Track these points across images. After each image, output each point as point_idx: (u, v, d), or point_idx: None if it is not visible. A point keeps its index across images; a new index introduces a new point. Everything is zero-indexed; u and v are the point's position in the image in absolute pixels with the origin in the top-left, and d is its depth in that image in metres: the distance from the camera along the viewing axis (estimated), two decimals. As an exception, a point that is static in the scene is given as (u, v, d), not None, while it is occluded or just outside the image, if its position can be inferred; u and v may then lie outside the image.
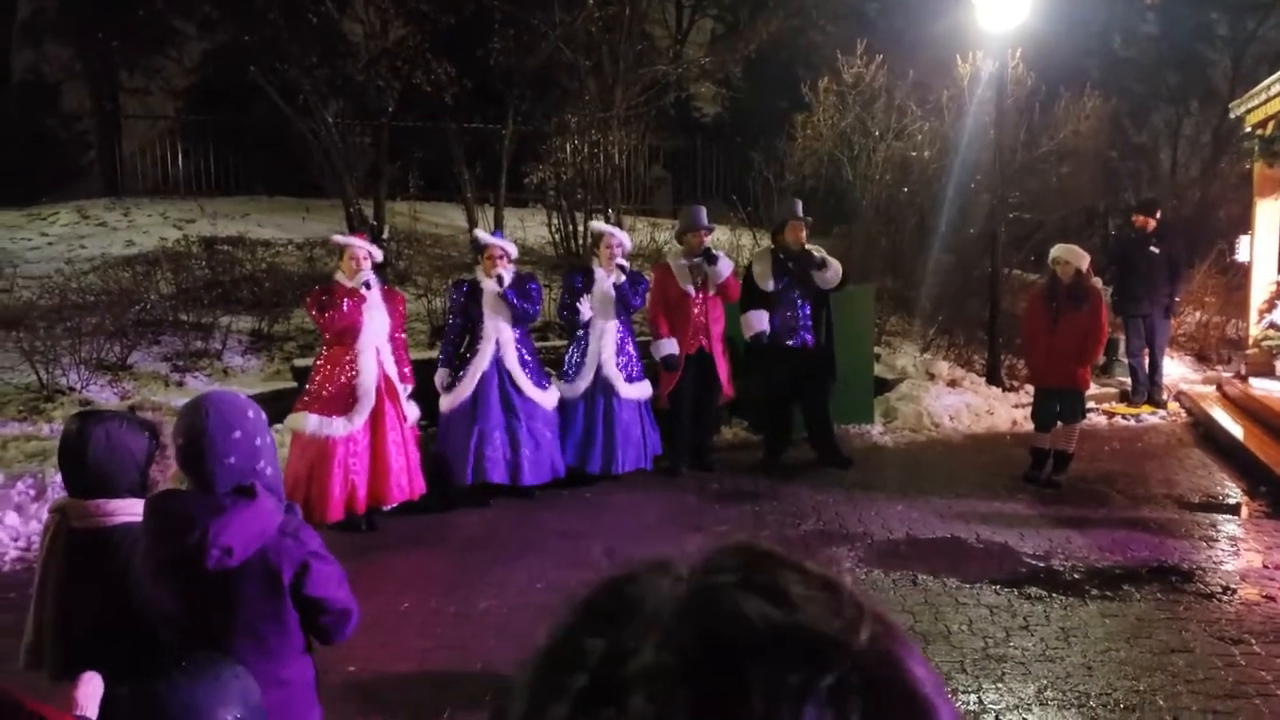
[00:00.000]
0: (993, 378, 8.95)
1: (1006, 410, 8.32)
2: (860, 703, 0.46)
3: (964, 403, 8.30)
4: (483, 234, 6.45)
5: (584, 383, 6.34)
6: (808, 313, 6.68)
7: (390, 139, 10.06)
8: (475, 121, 10.85)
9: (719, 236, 10.04)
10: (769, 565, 0.52)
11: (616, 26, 10.13)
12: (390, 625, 4.22)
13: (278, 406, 6.46)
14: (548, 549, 5.22)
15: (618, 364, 6.38)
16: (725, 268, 6.59)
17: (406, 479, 5.60)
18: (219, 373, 7.56)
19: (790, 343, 6.67)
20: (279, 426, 6.28)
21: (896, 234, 10.41)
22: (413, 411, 5.76)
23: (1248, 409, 7.92)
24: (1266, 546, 5.23)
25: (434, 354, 6.52)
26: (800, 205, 6.95)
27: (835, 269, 6.61)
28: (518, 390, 6.02)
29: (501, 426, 5.96)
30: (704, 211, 6.87)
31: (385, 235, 9.31)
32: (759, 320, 6.63)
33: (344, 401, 5.37)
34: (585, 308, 6.34)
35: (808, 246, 6.71)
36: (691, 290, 6.57)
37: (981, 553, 5.14)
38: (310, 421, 5.33)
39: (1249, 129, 9.22)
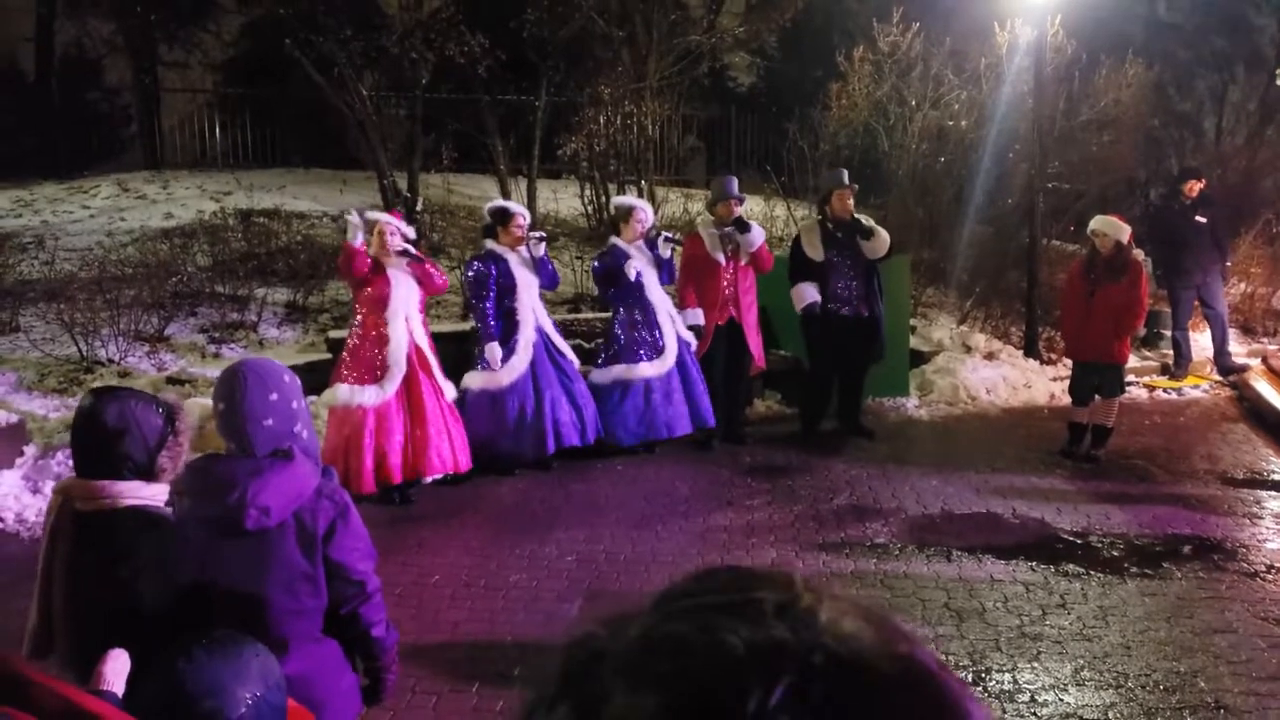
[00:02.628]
0: (1030, 350, 8.84)
1: (1044, 384, 8.22)
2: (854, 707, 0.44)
3: (1001, 376, 8.21)
4: (507, 203, 6.45)
5: (666, 360, 6.32)
6: (858, 283, 6.64)
7: (424, 111, 10.07)
8: (508, 93, 10.81)
9: (753, 207, 9.99)
10: (733, 586, 0.50)
11: (650, -3, 10.02)
12: (422, 597, 4.29)
13: (313, 378, 6.53)
14: (578, 522, 5.26)
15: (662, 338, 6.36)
16: (758, 236, 6.54)
17: (449, 450, 5.59)
18: (255, 344, 7.67)
19: (844, 312, 6.64)
20: (314, 399, 6.38)
21: (933, 205, 10.25)
22: (449, 388, 5.73)
23: (1293, 384, 7.77)
24: (1311, 524, 5.15)
25: (465, 326, 6.53)
26: (846, 174, 6.89)
27: (883, 238, 6.55)
28: (560, 354, 6.12)
29: (563, 391, 6.03)
30: (735, 182, 6.81)
31: (419, 208, 9.35)
32: (810, 292, 6.59)
33: (375, 370, 5.39)
34: (633, 268, 6.25)
35: (855, 215, 6.66)
36: (722, 259, 6.53)
37: (1018, 528, 5.11)
38: (341, 391, 5.36)
39: (1300, 96, 8.94)
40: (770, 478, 6.03)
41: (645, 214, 6.50)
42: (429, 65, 9.49)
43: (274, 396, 2.18)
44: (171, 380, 6.55)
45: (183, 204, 10.26)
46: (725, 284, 6.56)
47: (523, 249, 6.03)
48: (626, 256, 6.30)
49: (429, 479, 5.62)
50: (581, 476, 6.05)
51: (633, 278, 6.25)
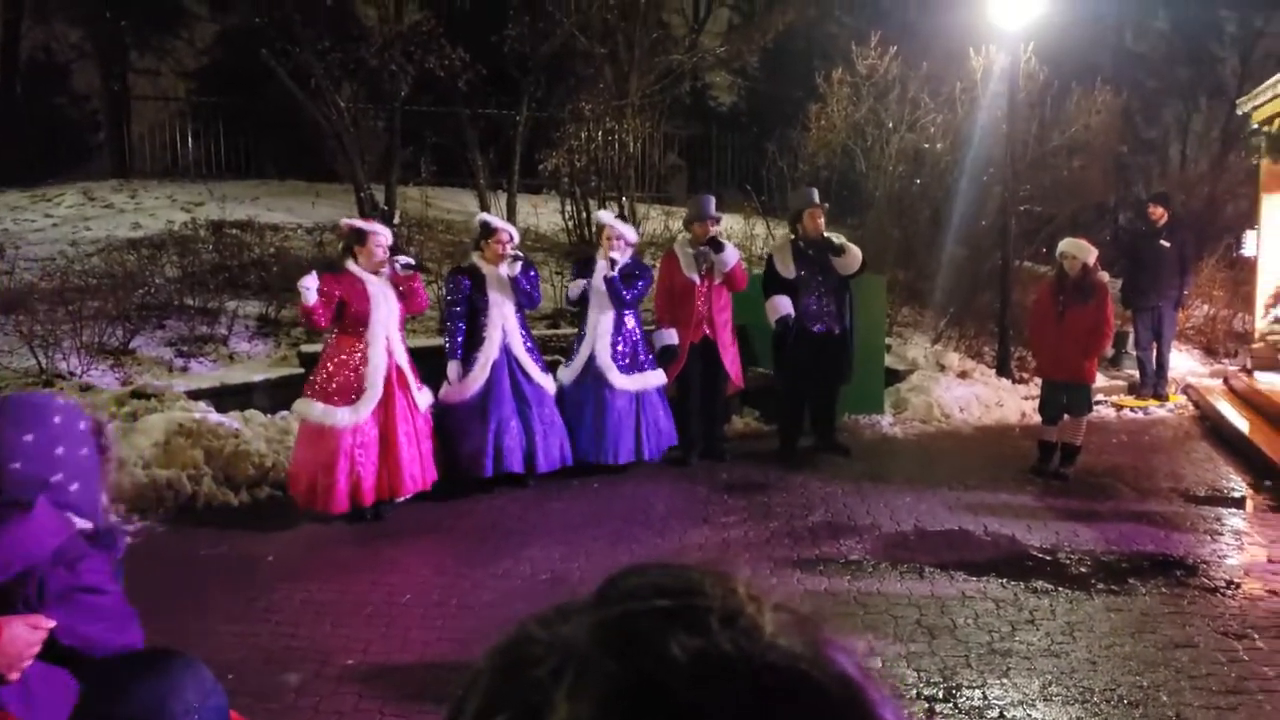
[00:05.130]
0: (1003, 370, 8.98)
1: (1016, 402, 8.35)
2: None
3: (974, 394, 8.33)
4: (492, 218, 6.46)
5: (574, 372, 6.38)
6: (829, 300, 6.72)
7: (403, 124, 10.09)
8: (489, 107, 10.86)
9: (733, 225, 10.09)
10: (677, 589, 0.49)
11: (632, 14, 10.13)
12: (392, 616, 4.25)
13: (284, 393, 6.53)
14: (553, 540, 5.24)
15: (613, 354, 6.38)
16: (731, 256, 6.61)
17: (419, 469, 5.56)
18: (224, 358, 7.58)
19: (815, 329, 6.71)
20: (285, 413, 6.35)
21: (909, 225, 10.41)
22: (425, 399, 5.73)
23: (1253, 402, 7.95)
24: (1271, 541, 5.27)
25: (441, 341, 6.52)
26: (816, 193, 6.99)
27: (854, 254, 6.64)
28: (526, 377, 6.05)
29: (516, 414, 5.98)
30: (712, 201, 6.87)
31: (396, 220, 9.34)
32: (783, 304, 6.65)
33: (350, 391, 5.30)
34: (574, 289, 6.40)
35: (826, 234, 6.74)
36: (696, 278, 6.59)
37: (989, 545, 5.18)
38: (315, 409, 5.28)
39: (1256, 125, 9.21)
40: (747, 495, 6.07)
41: (617, 230, 6.51)
42: (409, 78, 9.52)
43: (29, 438, 1.89)
44: (136, 394, 6.45)
45: (151, 214, 10.15)
46: (700, 303, 6.61)
47: (502, 266, 6.04)
48: (587, 272, 6.39)
49: (401, 499, 5.58)
50: (558, 494, 6.04)
51: (573, 295, 6.40)
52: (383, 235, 5.54)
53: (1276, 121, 8.57)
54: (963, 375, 8.70)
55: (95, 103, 14.77)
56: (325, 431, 5.25)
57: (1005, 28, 8.94)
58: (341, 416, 5.25)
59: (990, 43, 9.62)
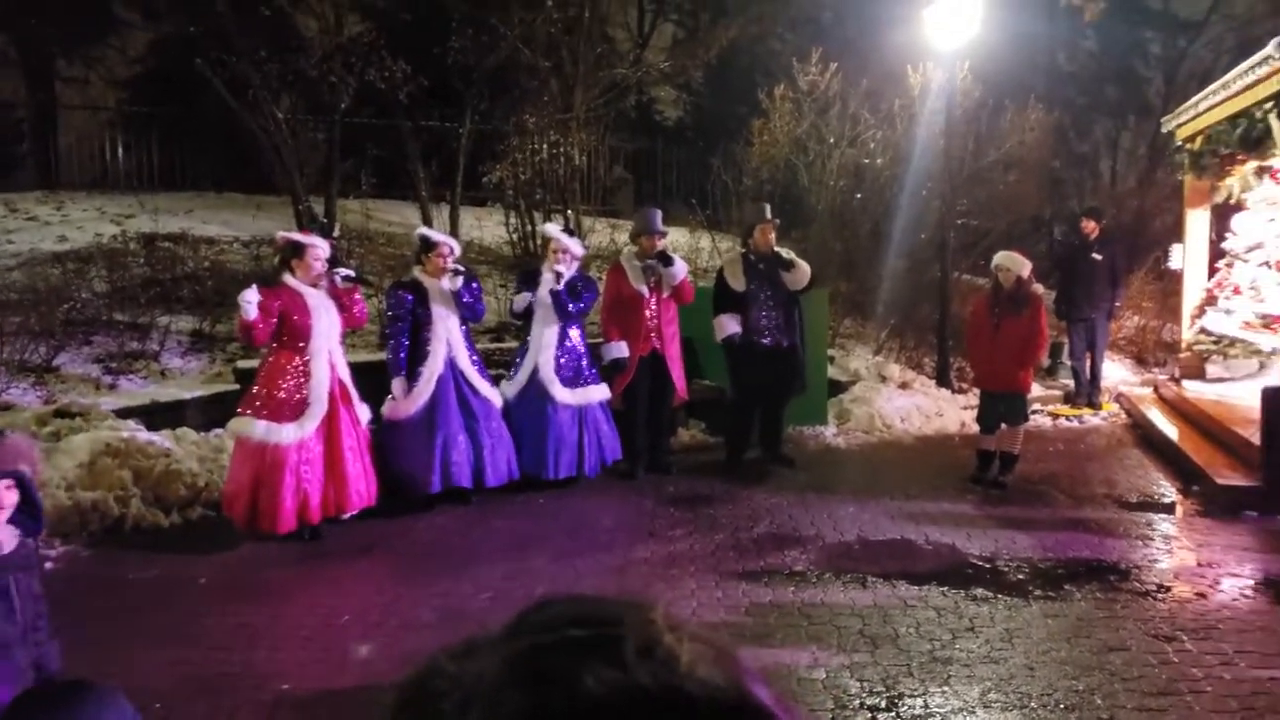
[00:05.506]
0: (942, 380, 9.15)
1: (955, 412, 8.50)
2: None
3: (914, 404, 8.47)
4: (431, 231, 6.40)
5: (517, 386, 6.34)
6: (778, 314, 6.77)
7: (343, 135, 9.95)
8: (432, 119, 10.77)
9: (679, 238, 10.14)
10: (593, 620, 0.48)
11: (577, 28, 10.15)
12: (329, 638, 4.14)
13: (219, 409, 6.36)
14: (496, 557, 5.17)
15: (557, 367, 6.36)
16: (680, 270, 6.64)
17: (365, 485, 5.49)
18: (156, 374, 7.36)
19: (764, 342, 6.75)
20: (220, 431, 6.18)
21: (851, 239, 10.58)
22: (364, 414, 5.65)
23: (1181, 410, 8.20)
24: (1198, 545, 5.42)
25: (382, 356, 6.43)
26: (768, 208, 7.06)
27: (804, 269, 6.72)
28: (473, 390, 6.00)
29: (464, 429, 5.92)
30: (659, 216, 6.89)
31: (336, 233, 9.18)
32: (730, 324, 6.72)
33: (294, 407, 5.20)
34: (519, 302, 6.38)
35: (776, 249, 6.81)
36: (644, 291, 6.60)
37: (930, 554, 5.24)
38: (257, 427, 5.14)
39: (1179, 143, 9.54)
40: (693, 507, 6.07)
41: (563, 244, 6.49)
42: (349, 89, 9.39)
43: None
44: (60, 413, 6.22)
45: (79, 226, 9.84)
46: (648, 316, 6.62)
47: (444, 280, 5.98)
48: (532, 285, 6.37)
49: (348, 515, 5.48)
50: (501, 511, 5.97)
51: (518, 308, 6.38)
52: (321, 248, 5.46)
53: (1198, 140, 8.89)
54: (904, 386, 8.84)
55: (20, 112, 14.27)
56: (269, 449, 5.13)
57: (942, 47, 9.16)
58: (287, 433, 5.15)
59: (928, 60, 9.84)
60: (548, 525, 5.75)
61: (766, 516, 5.88)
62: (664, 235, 6.83)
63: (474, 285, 6.17)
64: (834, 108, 10.15)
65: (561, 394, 6.31)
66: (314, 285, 5.38)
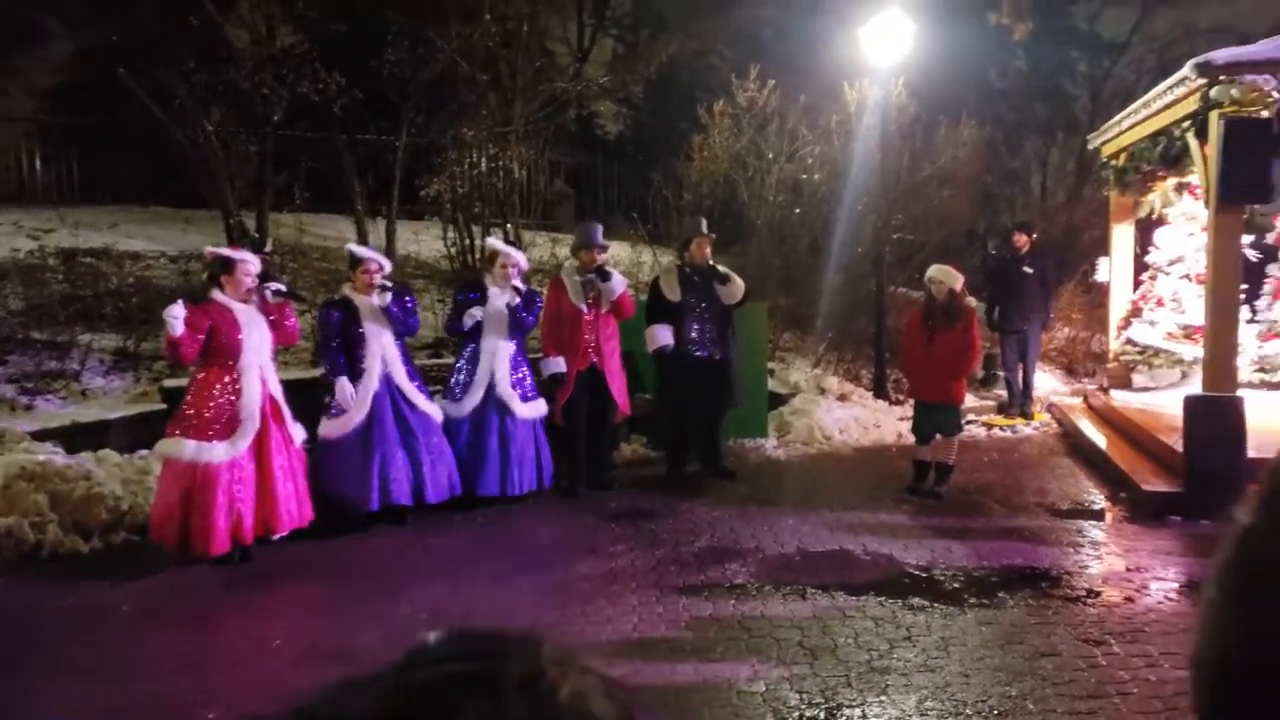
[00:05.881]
0: (879, 392, 9.28)
1: (892, 423, 8.63)
2: None
3: (852, 416, 8.57)
4: (359, 247, 6.32)
5: (471, 402, 6.24)
6: (711, 327, 6.80)
7: (276, 148, 9.75)
8: (368, 132, 10.62)
9: (620, 253, 10.13)
10: (477, 655, 0.47)
11: (515, 41, 10.12)
12: (261, 665, 4.01)
13: (144, 430, 6.16)
14: (434, 578, 5.07)
15: (512, 381, 6.32)
16: (618, 284, 6.64)
17: (295, 505, 5.39)
18: (76, 394, 7.08)
19: (697, 354, 6.77)
20: (145, 453, 5.98)
21: (790, 253, 10.70)
22: (299, 433, 5.55)
23: (1109, 419, 8.43)
24: (1125, 550, 5.56)
25: (316, 373, 6.31)
26: (705, 223, 7.10)
27: (738, 285, 6.76)
28: (410, 406, 5.91)
29: (401, 445, 5.82)
30: (600, 230, 6.90)
31: (268, 248, 8.99)
32: (663, 335, 6.73)
33: (225, 425, 5.10)
34: (469, 318, 6.27)
35: (712, 263, 6.84)
36: (583, 306, 6.58)
37: (868, 564, 5.29)
38: (187, 447, 5.02)
39: (1105, 160, 9.86)
40: (634, 523, 6.04)
41: (514, 258, 6.45)
42: (282, 101, 9.21)
43: None
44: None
45: (-8, 242, 9.46)
46: (587, 331, 6.60)
47: (373, 296, 5.89)
48: (477, 300, 6.29)
49: (278, 536, 5.35)
50: (439, 529, 5.87)
51: (468, 325, 6.27)
52: (251, 263, 5.36)
53: (1122, 157, 9.19)
54: (842, 398, 8.95)
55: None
56: (199, 469, 5.02)
57: (878, 63, 9.34)
58: (218, 452, 5.05)
59: (864, 77, 10.03)
60: (487, 543, 5.67)
61: (707, 530, 5.88)
62: (605, 249, 6.83)
63: (408, 299, 6.10)
64: (772, 124, 10.28)
65: (521, 409, 6.29)
66: (244, 301, 5.28)
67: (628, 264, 10.21)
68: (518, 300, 6.27)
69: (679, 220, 9.92)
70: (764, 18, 13.90)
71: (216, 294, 5.26)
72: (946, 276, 6.42)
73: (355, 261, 6.01)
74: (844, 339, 10.13)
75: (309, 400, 6.05)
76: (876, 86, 9.74)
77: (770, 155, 10.32)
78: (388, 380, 5.87)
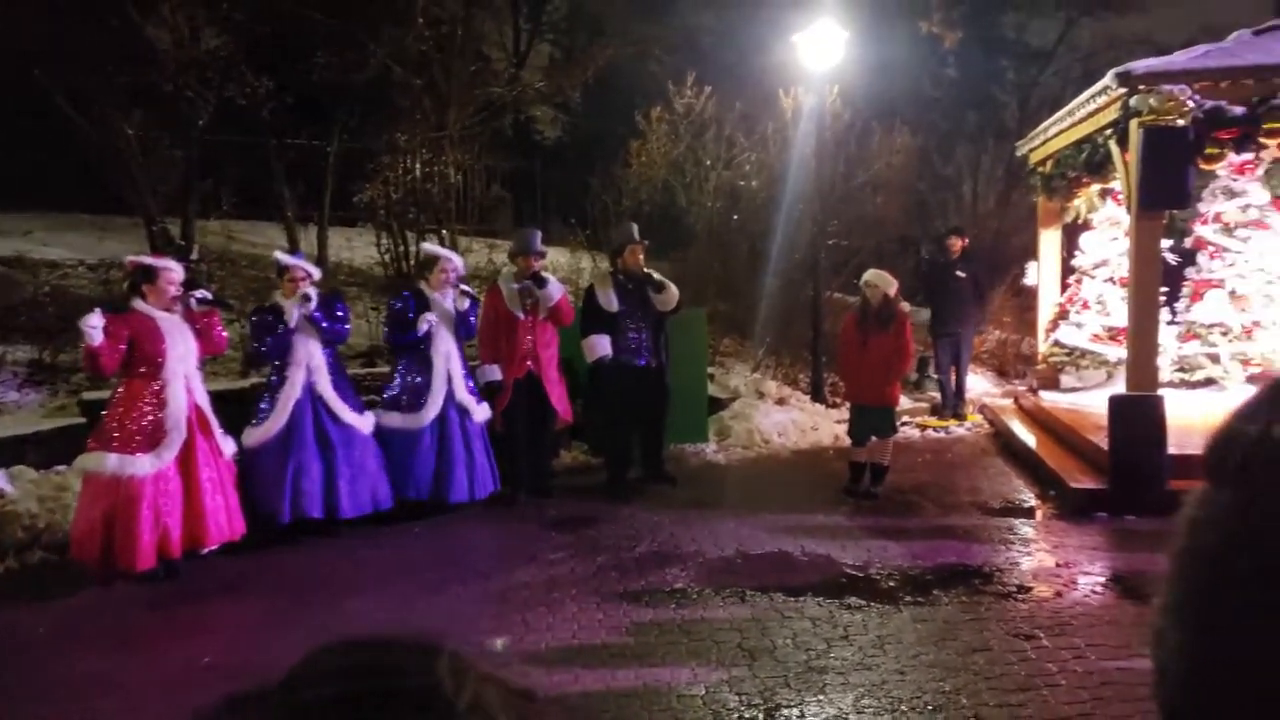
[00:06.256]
0: (817, 395, 9.39)
1: (830, 426, 8.73)
2: None
3: (791, 419, 8.65)
4: (283, 255, 6.21)
5: (433, 410, 6.14)
6: (646, 334, 6.79)
7: (203, 153, 9.48)
8: (299, 137, 10.40)
9: (559, 259, 10.09)
10: (372, 669, 0.46)
11: (449, 46, 10.01)
12: (188, 685, 3.87)
13: (63, 445, 5.92)
14: (369, 591, 4.98)
15: (467, 388, 6.28)
16: (555, 291, 6.60)
17: (225, 518, 5.26)
18: (-13, 409, 6.80)
19: (634, 362, 6.76)
20: (63, 468, 5.75)
21: (728, 259, 10.77)
22: (229, 446, 5.42)
23: (1039, 419, 8.65)
24: (1054, 546, 5.70)
25: (246, 384, 6.17)
26: (636, 229, 7.09)
27: (672, 292, 6.77)
28: (333, 417, 5.79)
29: (318, 457, 5.69)
30: (538, 236, 6.85)
31: (194, 255, 8.74)
32: (600, 345, 6.70)
33: (149, 437, 4.97)
34: (427, 322, 6.15)
35: (646, 270, 6.84)
36: (521, 314, 6.54)
37: (806, 565, 5.33)
38: (110, 461, 4.88)
39: (1032, 167, 10.13)
40: (574, 530, 6.00)
41: (453, 263, 6.40)
42: (208, 105, 8.97)
43: None
44: None
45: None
46: (525, 338, 6.54)
47: (295, 304, 5.79)
48: (424, 306, 6.19)
49: (206, 550, 5.19)
50: (374, 541, 5.76)
51: (421, 331, 6.16)
52: (174, 271, 5.22)
53: (1049, 163, 9.45)
54: (780, 402, 9.03)
55: None
56: (123, 483, 4.88)
57: (812, 69, 9.45)
58: (142, 465, 4.91)
59: (799, 84, 10.15)
60: (423, 555, 5.58)
61: (648, 535, 5.87)
62: (542, 256, 6.79)
63: (339, 308, 5.99)
64: (710, 130, 10.36)
65: (480, 414, 6.27)
66: (168, 310, 5.13)
67: (567, 270, 10.18)
68: (469, 303, 6.25)
69: (617, 226, 9.92)
70: (701, 24, 14.01)
71: (138, 303, 5.14)
72: (882, 281, 6.52)
73: (282, 269, 5.93)
74: (782, 343, 10.23)
75: (238, 412, 5.89)
76: (811, 94, 9.87)
77: (708, 162, 10.39)
78: (310, 389, 5.75)
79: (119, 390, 5.10)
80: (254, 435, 5.68)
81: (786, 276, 10.60)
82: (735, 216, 10.58)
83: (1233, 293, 9.29)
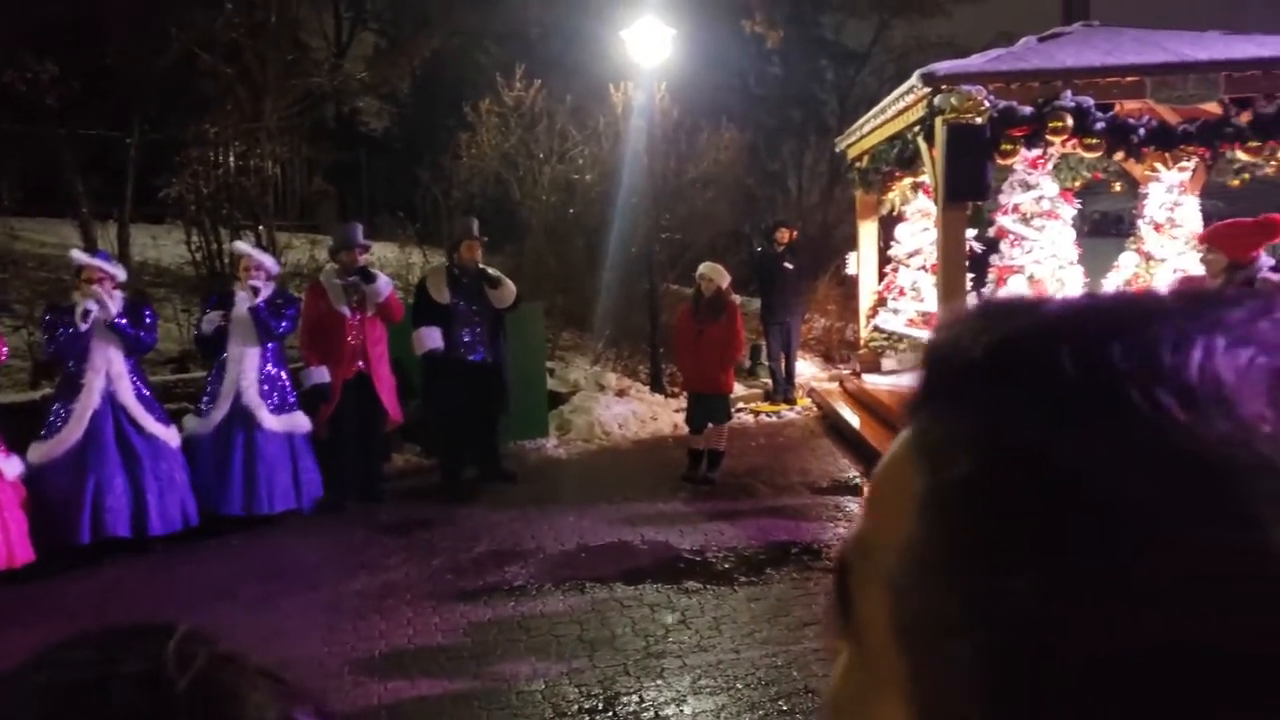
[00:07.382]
0: (656, 385, 9.52)
1: (669, 415, 8.87)
2: None
3: (631, 411, 8.73)
4: (81, 255, 5.71)
5: (219, 414, 5.77)
6: (483, 330, 6.67)
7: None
8: (93, 127, 9.55)
9: (387, 254, 9.75)
10: (97, 657, 0.45)
11: (262, 33, 9.45)
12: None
13: None
14: (185, 608, 4.64)
15: (261, 393, 5.89)
16: (384, 286, 6.37)
17: (6, 542, 4.75)
18: None
19: (469, 358, 6.61)
20: None
21: (565, 253, 10.74)
22: (13, 467, 4.90)
23: (862, 401, 9.13)
24: (878, 520, 6.03)
25: (37, 395, 5.62)
26: (476, 224, 6.94)
27: (509, 289, 6.67)
28: (137, 428, 5.36)
29: (122, 471, 5.25)
30: (359, 229, 6.59)
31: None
32: (431, 337, 6.51)
33: None
34: (208, 323, 5.84)
35: (482, 265, 6.70)
36: (346, 311, 6.26)
37: (645, 553, 5.39)
38: None
39: (851, 161, 10.67)
40: (408, 534, 5.82)
41: (255, 259, 6.06)
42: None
43: None
44: None
45: None
46: (351, 336, 6.28)
47: (90, 305, 5.30)
48: (217, 306, 5.89)
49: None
50: (189, 557, 5.38)
51: (207, 329, 5.86)
52: None
53: (865, 159, 9.97)
54: (621, 393, 9.09)
55: None
56: None
57: (641, 64, 9.55)
58: None
59: (629, 80, 10.24)
60: (244, 568, 5.25)
61: (486, 535, 5.76)
62: (367, 249, 6.53)
63: (146, 312, 5.55)
64: (541, 123, 10.28)
65: (270, 421, 5.85)
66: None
67: (396, 265, 9.86)
68: (257, 300, 5.85)
69: (449, 219, 9.69)
70: (529, 16, 13.88)
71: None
72: (716, 274, 6.68)
73: (78, 268, 5.47)
74: (621, 336, 10.30)
75: (24, 426, 5.35)
76: (641, 90, 9.98)
77: (541, 155, 10.31)
78: (110, 399, 5.30)
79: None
80: (42, 450, 5.18)
81: (624, 270, 10.69)
82: (571, 210, 10.56)
83: (1031, 277, 10.10)
